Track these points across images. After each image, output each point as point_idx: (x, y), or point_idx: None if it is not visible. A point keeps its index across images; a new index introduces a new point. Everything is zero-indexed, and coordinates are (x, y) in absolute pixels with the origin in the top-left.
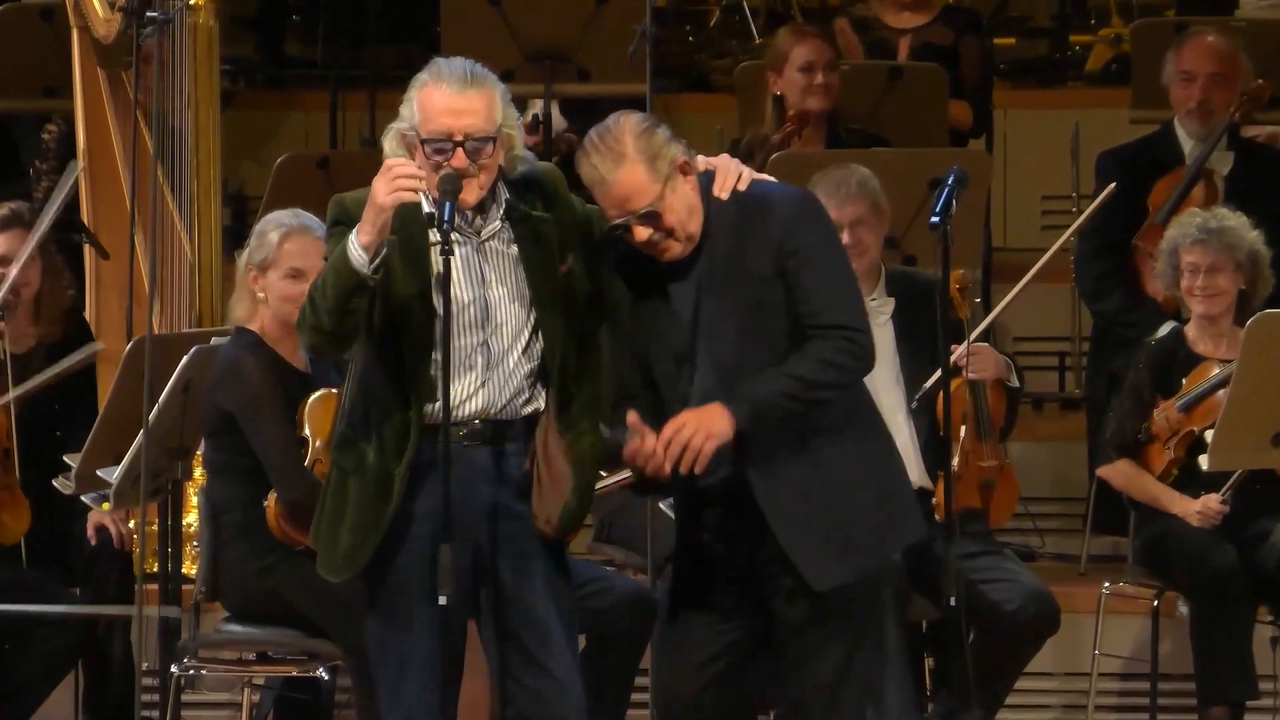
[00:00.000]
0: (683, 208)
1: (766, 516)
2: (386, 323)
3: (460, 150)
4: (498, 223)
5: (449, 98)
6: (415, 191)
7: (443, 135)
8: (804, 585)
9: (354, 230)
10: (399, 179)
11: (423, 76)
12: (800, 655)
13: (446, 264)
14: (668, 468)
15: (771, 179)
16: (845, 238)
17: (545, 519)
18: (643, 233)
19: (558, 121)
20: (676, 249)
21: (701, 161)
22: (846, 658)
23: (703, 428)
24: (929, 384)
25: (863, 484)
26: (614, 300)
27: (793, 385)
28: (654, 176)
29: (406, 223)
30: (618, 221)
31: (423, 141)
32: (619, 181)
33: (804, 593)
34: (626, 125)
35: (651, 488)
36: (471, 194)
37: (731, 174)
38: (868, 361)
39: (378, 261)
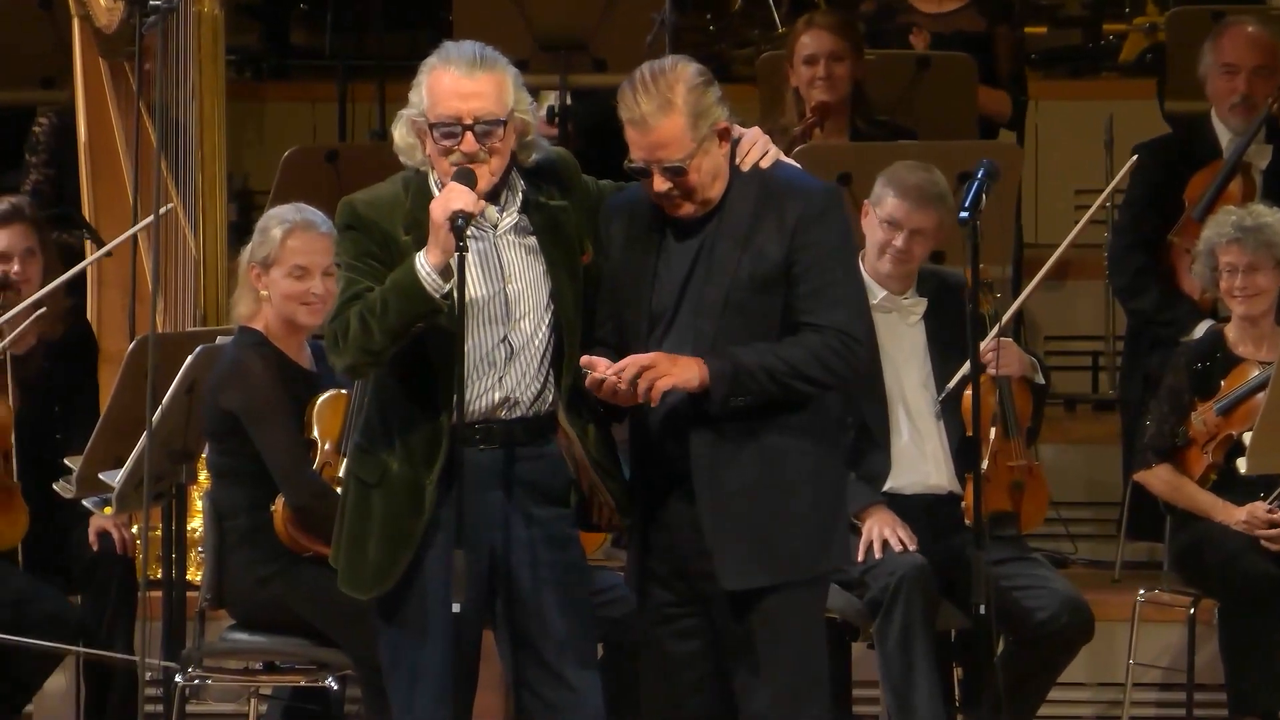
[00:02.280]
0: (709, 171)
1: (698, 501)
2: None
3: (469, 134)
4: (515, 214)
5: (457, 80)
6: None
7: (451, 119)
8: (731, 599)
9: (421, 254)
10: (453, 195)
11: (431, 60)
12: (743, 675)
13: (461, 260)
14: (623, 388)
15: (797, 166)
16: (899, 241)
17: (609, 508)
18: (661, 184)
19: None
20: (688, 209)
21: (734, 130)
22: (791, 675)
23: (669, 370)
24: (952, 384)
25: (807, 496)
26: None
27: (778, 365)
28: (693, 134)
29: (422, 224)
30: (639, 164)
31: (431, 126)
32: (658, 128)
33: (733, 607)
34: (682, 74)
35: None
36: (483, 180)
37: (757, 149)
38: (858, 372)
39: (451, 284)
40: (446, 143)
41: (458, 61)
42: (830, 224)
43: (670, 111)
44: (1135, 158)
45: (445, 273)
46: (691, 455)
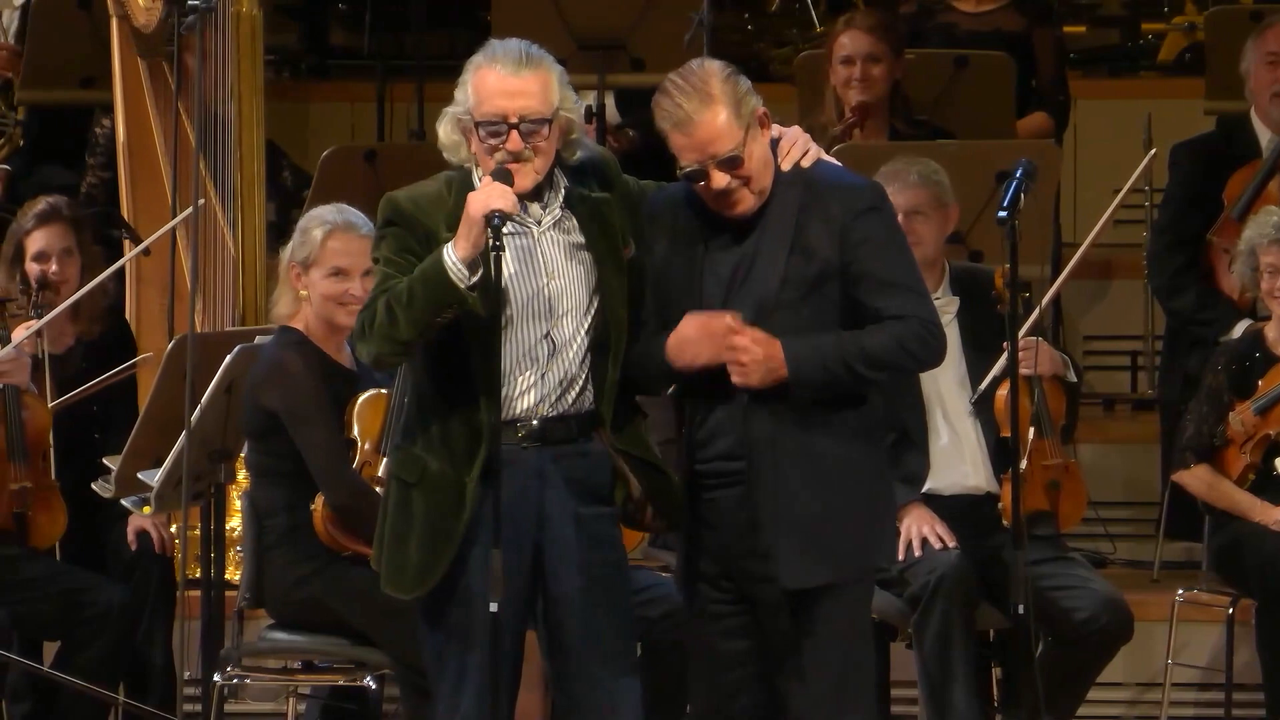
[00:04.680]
0: (760, 159)
1: (755, 498)
2: (448, 326)
3: (515, 133)
4: (558, 211)
5: (503, 79)
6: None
7: (497, 117)
8: (780, 597)
9: (448, 245)
10: (494, 193)
11: (477, 58)
12: (789, 676)
13: (498, 260)
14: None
15: (838, 164)
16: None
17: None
18: (720, 179)
19: (611, 114)
20: (749, 201)
21: (774, 129)
22: (837, 674)
23: (761, 370)
24: (984, 385)
25: (859, 492)
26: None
27: (857, 358)
28: (738, 122)
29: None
30: (694, 168)
31: (477, 125)
32: (704, 122)
33: (781, 606)
34: (711, 68)
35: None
36: (527, 179)
37: (798, 147)
38: (940, 356)
39: (477, 277)
40: (492, 141)
41: (504, 60)
42: (881, 218)
43: (712, 103)
44: (1154, 152)
45: (473, 265)
46: (749, 453)
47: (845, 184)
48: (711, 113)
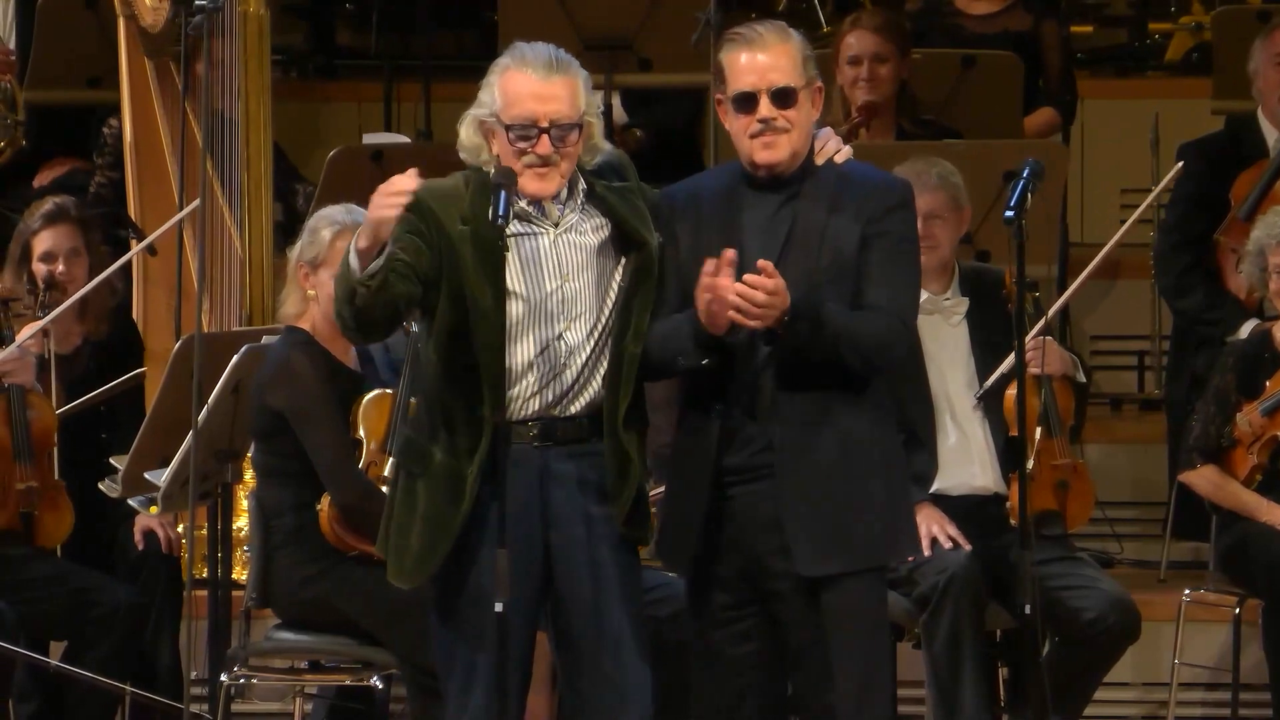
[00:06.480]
0: (805, 122)
1: (778, 483)
2: (456, 319)
3: (546, 137)
4: (576, 214)
5: (534, 83)
6: (400, 209)
7: (528, 120)
8: (803, 592)
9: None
10: (392, 195)
11: (504, 61)
12: (808, 672)
13: (501, 260)
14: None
15: (869, 164)
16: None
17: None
18: (768, 108)
19: (618, 114)
20: (783, 150)
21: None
22: (861, 671)
23: (771, 314)
24: (990, 381)
25: (880, 484)
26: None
27: (844, 336)
28: (802, 70)
29: (478, 216)
30: (746, 89)
31: (506, 127)
32: (775, 47)
33: (803, 601)
34: (792, 29)
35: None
36: (553, 184)
37: (831, 145)
38: (900, 363)
39: (375, 268)
40: (522, 144)
41: (534, 63)
42: (904, 216)
43: (787, 39)
44: (1180, 164)
45: (368, 259)
46: (774, 439)
47: (879, 178)
48: (784, 45)
